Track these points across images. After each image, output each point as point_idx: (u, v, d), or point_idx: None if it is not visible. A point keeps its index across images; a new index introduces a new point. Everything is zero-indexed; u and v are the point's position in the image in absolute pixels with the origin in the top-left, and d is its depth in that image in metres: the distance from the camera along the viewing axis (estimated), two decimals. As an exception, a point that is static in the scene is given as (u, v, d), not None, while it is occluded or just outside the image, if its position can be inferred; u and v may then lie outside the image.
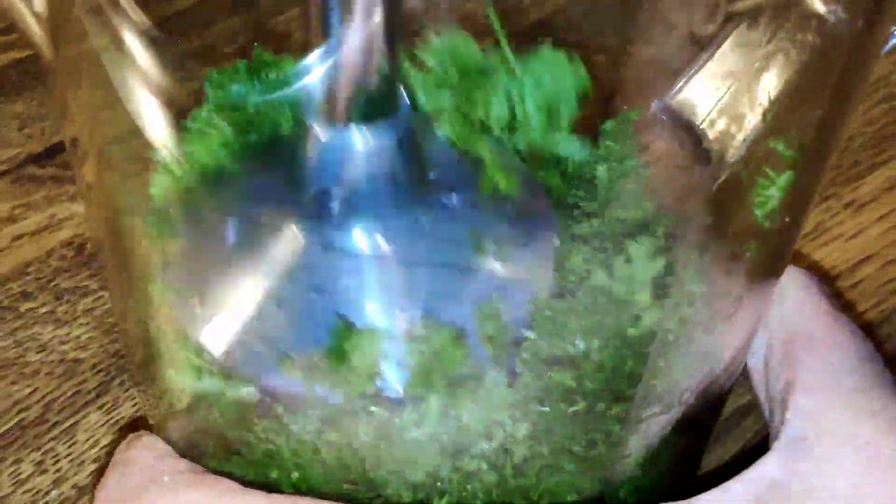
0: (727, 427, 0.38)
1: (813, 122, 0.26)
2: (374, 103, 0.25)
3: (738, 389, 0.39)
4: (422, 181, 0.28)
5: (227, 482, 0.27)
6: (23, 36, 0.27)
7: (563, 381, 0.27)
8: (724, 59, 0.26)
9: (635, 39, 0.29)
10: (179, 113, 0.29)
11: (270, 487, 0.27)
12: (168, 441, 0.31)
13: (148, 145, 0.29)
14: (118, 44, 0.27)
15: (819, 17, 0.24)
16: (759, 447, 0.33)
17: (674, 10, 0.26)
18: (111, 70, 0.27)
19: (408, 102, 0.27)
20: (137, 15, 0.27)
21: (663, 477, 0.30)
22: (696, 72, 0.27)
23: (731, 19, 0.25)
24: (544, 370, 0.27)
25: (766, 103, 0.25)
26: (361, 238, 0.27)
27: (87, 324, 0.42)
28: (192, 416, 0.30)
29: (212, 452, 0.30)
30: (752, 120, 0.26)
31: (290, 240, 0.27)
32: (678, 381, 0.28)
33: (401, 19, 0.24)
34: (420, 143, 0.28)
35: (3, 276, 0.44)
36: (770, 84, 0.25)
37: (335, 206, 0.27)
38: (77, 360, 0.41)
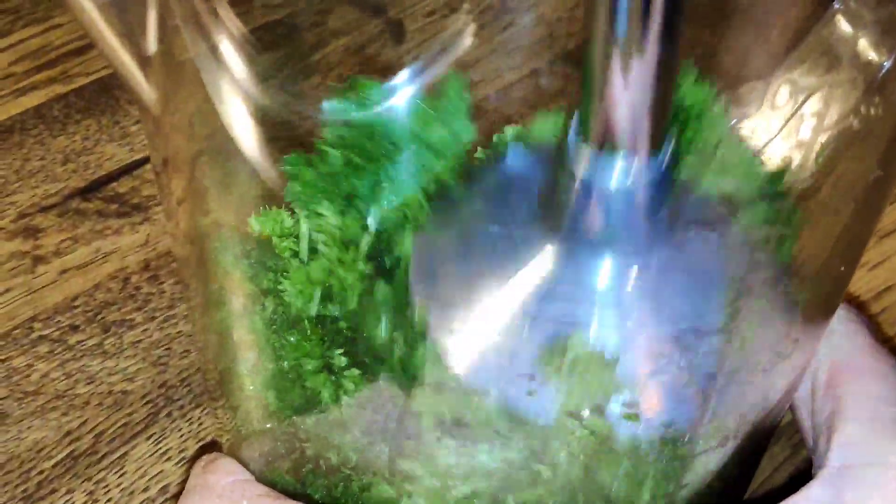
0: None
1: (868, 170, 0.27)
2: (654, 136, 0.24)
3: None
4: (677, 216, 0.27)
5: None
6: (118, 70, 0.27)
7: None
8: (777, 101, 0.27)
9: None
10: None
11: None
12: (242, 463, 0.31)
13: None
14: (216, 54, 0.27)
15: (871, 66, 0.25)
16: (799, 476, 0.34)
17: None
18: (209, 82, 0.27)
19: (671, 137, 0.25)
20: (234, 23, 0.27)
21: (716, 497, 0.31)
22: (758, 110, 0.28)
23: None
24: None
25: (818, 147, 0.26)
26: (615, 269, 0.27)
27: (135, 356, 0.43)
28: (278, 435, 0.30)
29: (292, 469, 0.30)
30: (807, 161, 0.27)
31: (543, 262, 0.27)
32: (736, 416, 0.30)
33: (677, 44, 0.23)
34: (676, 179, 0.27)
35: (51, 310, 0.45)
36: (825, 126, 0.26)
37: (591, 233, 0.26)
38: (125, 392, 0.42)
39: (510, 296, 0.27)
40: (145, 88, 0.27)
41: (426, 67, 0.26)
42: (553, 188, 0.26)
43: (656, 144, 0.25)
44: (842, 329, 0.32)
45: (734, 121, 0.28)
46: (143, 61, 0.27)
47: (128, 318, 0.45)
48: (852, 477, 0.28)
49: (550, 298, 0.27)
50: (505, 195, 0.29)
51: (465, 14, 0.27)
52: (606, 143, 0.24)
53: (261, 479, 0.31)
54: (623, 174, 0.25)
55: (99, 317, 0.45)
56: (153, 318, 0.45)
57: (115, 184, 0.50)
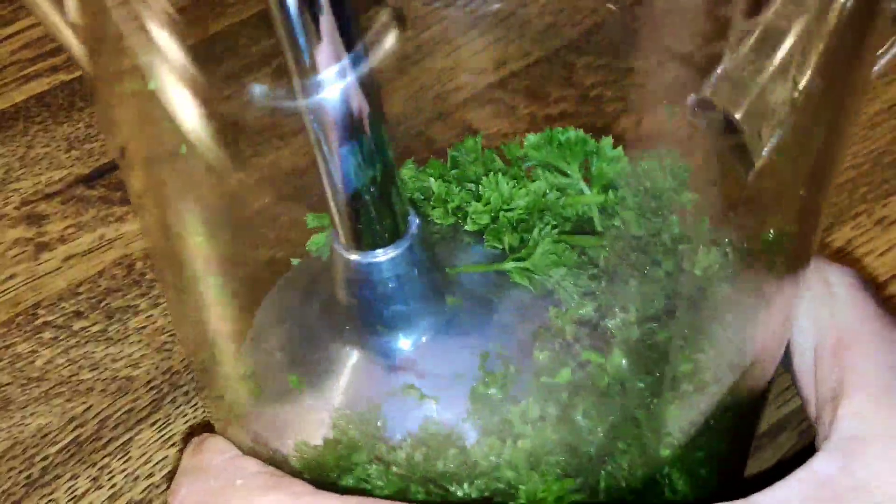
0: (762, 443, 0.39)
1: (836, 102, 0.27)
2: (379, 231, 0.29)
3: (773, 405, 0.39)
4: (442, 288, 0.32)
5: (300, 483, 0.28)
6: (63, 47, 0.27)
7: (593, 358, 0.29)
8: (755, 53, 0.27)
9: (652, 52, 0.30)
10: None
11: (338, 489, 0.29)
12: (234, 441, 0.31)
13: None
14: (152, 45, 0.28)
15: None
16: (802, 453, 0.34)
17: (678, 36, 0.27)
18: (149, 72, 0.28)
19: (416, 220, 0.30)
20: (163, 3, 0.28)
21: (711, 478, 0.31)
22: (728, 66, 0.28)
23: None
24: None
25: (796, 93, 0.26)
26: (397, 350, 0.31)
27: (139, 342, 0.43)
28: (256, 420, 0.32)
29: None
30: (783, 107, 0.27)
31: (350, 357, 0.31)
32: (708, 360, 0.30)
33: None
34: (434, 254, 0.32)
35: (56, 296, 0.45)
36: (799, 72, 0.26)
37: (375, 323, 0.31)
38: (129, 378, 0.42)
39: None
40: (74, 44, 0.27)
41: (354, 63, 0.26)
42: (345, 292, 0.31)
43: (394, 235, 0.29)
44: (844, 294, 0.31)
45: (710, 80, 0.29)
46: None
47: (132, 304, 0.45)
48: (860, 449, 0.27)
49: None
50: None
51: (391, 9, 0.28)
52: (353, 245, 0.29)
53: (251, 454, 0.31)
54: (380, 266, 0.30)
55: (103, 303, 0.45)
56: (157, 305, 0.45)
57: (118, 171, 0.50)
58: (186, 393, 0.42)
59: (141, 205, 0.32)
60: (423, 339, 0.31)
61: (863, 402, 0.28)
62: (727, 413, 0.30)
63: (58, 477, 0.39)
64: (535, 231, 0.32)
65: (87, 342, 0.44)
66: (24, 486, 0.39)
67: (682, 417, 0.29)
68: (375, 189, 0.27)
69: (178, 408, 0.41)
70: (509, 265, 0.32)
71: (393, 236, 0.29)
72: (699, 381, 0.29)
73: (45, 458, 0.40)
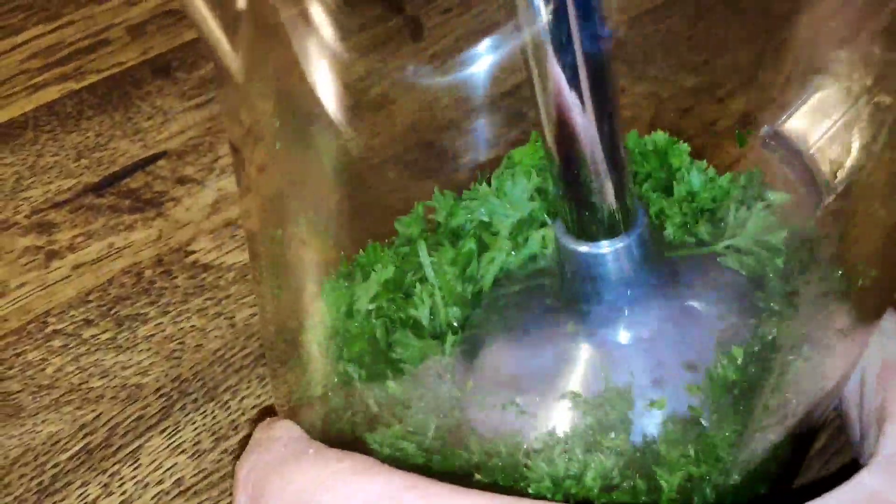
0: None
1: None
2: (611, 222, 0.30)
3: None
4: (663, 284, 0.32)
5: (368, 458, 0.28)
6: (202, 36, 0.28)
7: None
8: (836, 91, 0.27)
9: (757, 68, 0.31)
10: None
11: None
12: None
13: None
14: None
15: None
16: (845, 469, 0.35)
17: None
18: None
19: (643, 215, 0.31)
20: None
21: (767, 485, 0.32)
22: (805, 102, 0.28)
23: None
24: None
25: (876, 134, 0.27)
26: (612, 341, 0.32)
27: (148, 349, 0.44)
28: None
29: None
30: (863, 149, 0.27)
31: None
32: (796, 392, 0.31)
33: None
34: (660, 249, 0.32)
35: (65, 304, 0.46)
36: (882, 114, 0.27)
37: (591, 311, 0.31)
38: (139, 386, 0.43)
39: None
40: (230, 54, 0.27)
41: (503, 41, 0.27)
42: (562, 280, 0.32)
43: (626, 227, 0.30)
44: (892, 327, 0.33)
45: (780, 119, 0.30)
46: (230, 26, 0.27)
47: (141, 312, 0.45)
48: None
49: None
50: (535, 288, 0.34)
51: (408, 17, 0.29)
52: (584, 236, 0.30)
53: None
54: (605, 257, 0.30)
55: (112, 311, 0.45)
56: (166, 313, 0.45)
57: (128, 179, 0.51)
58: (195, 400, 0.42)
59: (252, 186, 0.33)
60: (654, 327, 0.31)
61: None
62: (792, 438, 0.32)
63: (69, 484, 0.40)
64: (734, 211, 0.33)
65: (96, 350, 0.44)
66: (35, 492, 0.40)
67: (763, 440, 0.31)
68: (614, 178, 0.28)
69: (187, 415, 0.42)
70: (720, 247, 0.33)
71: (625, 226, 0.30)
72: (785, 412, 0.31)
73: (55, 465, 0.40)
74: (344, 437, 0.32)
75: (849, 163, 0.27)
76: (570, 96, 0.26)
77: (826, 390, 0.31)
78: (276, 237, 0.33)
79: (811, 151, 0.29)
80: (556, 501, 0.26)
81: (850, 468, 0.30)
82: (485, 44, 0.27)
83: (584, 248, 0.30)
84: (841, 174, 0.27)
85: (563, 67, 0.26)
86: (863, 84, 0.26)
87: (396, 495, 0.26)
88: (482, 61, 0.28)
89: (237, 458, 0.33)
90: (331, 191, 0.35)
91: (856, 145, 0.27)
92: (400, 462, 0.30)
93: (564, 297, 0.32)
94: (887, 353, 0.32)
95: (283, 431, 0.31)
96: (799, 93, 0.28)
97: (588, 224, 0.30)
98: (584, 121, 0.27)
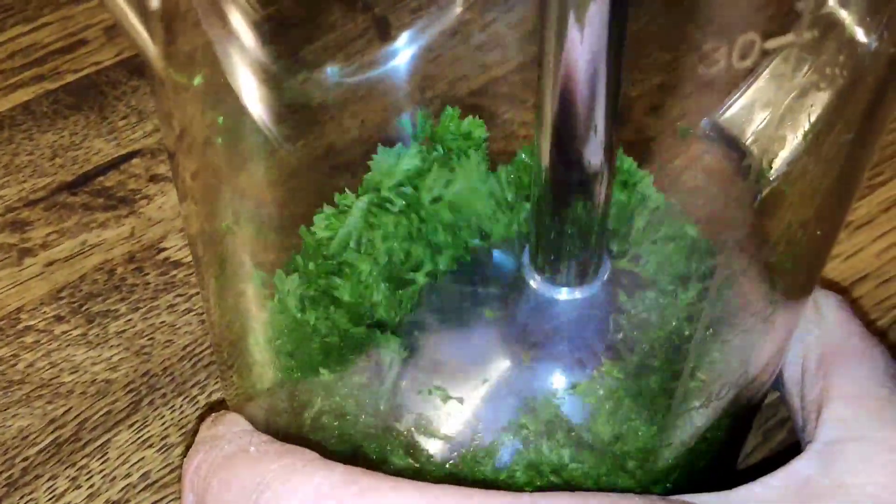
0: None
1: (846, 143, 0.28)
2: (584, 268, 0.30)
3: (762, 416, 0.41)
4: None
5: (309, 452, 0.29)
6: (126, 36, 0.28)
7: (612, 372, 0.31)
8: (772, 83, 0.28)
9: (682, 65, 0.32)
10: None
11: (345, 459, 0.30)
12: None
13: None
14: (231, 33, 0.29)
15: (854, 45, 0.26)
16: (786, 452, 0.36)
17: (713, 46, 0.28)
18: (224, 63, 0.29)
19: (608, 264, 0.31)
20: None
21: (703, 471, 0.33)
22: (743, 92, 0.29)
23: (767, 55, 0.26)
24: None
25: (806, 125, 0.27)
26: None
27: (118, 346, 0.44)
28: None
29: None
30: (795, 140, 0.28)
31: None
32: (718, 374, 0.31)
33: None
34: (613, 301, 0.32)
35: (37, 301, 0.46)
36: (811, 107, 0.27)
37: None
38: (108, 381, 0.43)
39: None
40: (148, 42, 0.27)
41: (423, 30, 0.27)
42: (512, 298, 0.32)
43: (588, 275, 0.31)
44: (831, 316, 0.33)
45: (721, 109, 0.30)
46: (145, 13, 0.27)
47: (112, 308, 0.46)
48: (839, 451, 0.29)
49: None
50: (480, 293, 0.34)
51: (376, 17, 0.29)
52: (548, 273, 0.31)
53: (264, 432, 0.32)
54: (560, 301, 0.31)
55: (84, 308, 0.46)
56: (137, 309, 0.45)
57: (102, 178, 0.51)
58: (164, 395, 0.42)
59: (188, 189, 0.33)
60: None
61: (842, 408, 0.30)
62: (726, 420, 0.32)
63: (38, 477, 0.40)
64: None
65: (67, 346, 0.44)
66: (4, 486, 0.40)
67: (688, 423, 0.31)
68: (589, 223, 0.28)
69: (155, 410, 0.42)
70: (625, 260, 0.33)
71: (591, 275, 0.31)
72: (707, 394, 0.31)
73: (25, 459, 0.41)
74: (288, 427, 0.32)
75: (783, 152, 0.28)
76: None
77: (752, 374, 0.32)
78: (217, 238, 0.33)
79: (748, 142, 0.29)
80: (490, 490, 0.26)
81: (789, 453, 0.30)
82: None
83: (552, 293, 0.31)
84: (776, 163, 0.28)
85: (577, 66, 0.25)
86: (799, 75, 0.27)
87: (335, 492, 0.27)
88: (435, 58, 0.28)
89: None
90: (272, 192, 0.35)
91: (790, 135, 0.28)
92: (338, 450, 0.31)
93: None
94: (827, 342, 0.32)
95: (228, 427, 0.32)
96: (739, 84, 0.29)
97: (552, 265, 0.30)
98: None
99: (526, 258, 0.31)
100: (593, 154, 0.26)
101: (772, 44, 0.24)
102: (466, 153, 0.34)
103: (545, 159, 0.26)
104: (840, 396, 0.30)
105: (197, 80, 0.28)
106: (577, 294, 0.31)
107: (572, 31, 0.23)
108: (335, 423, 0.31)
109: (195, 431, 0.40)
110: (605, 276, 0.31)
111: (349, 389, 0.31)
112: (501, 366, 0.31)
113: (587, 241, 0.29)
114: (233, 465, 0.29)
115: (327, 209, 0.34)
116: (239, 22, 0.28)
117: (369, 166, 0.34)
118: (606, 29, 0.23)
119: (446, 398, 0.31)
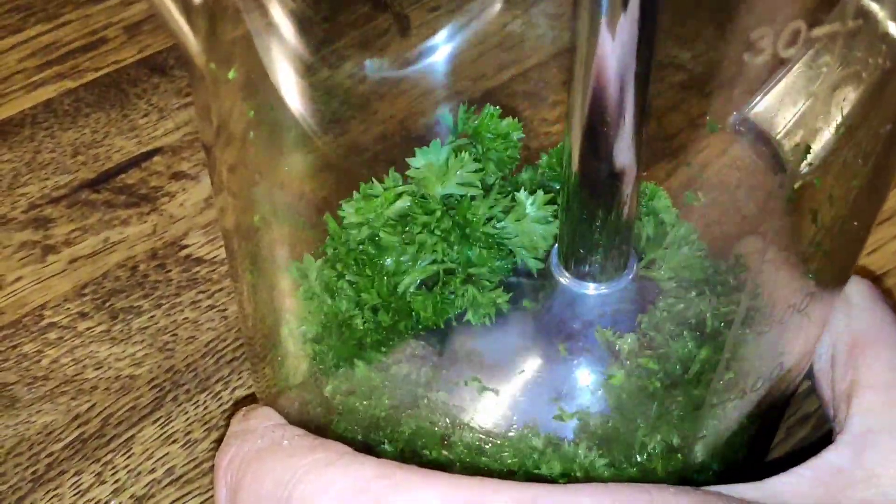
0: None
1: (881, 137, 0.28)
2: (612, 264, 0.31)
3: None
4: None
5: (341, 446, 0.29)
6: (167, 30, 0.28)
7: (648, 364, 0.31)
8: (802, 78, 0.28)
9: (720, 57, 0.32)
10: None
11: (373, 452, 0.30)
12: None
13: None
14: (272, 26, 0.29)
15: (891, 40, 0.26)
16: (818, 442, 0.36)
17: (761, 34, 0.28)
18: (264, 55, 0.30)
19: (634, 261, 0.32)
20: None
21: (736, 463, 0.33)
22: (773, 87, 0.29)
23: (811, 43, 0.26)
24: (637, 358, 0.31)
25: (839, 119, 0.27)
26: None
27: (142, 342, 0.44)
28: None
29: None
30: (827, 133, 0.28)
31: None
32: (752, 367, 0.31)
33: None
34: (641, 295, 0.33)
35: (61, 297, 0.46)
36: (844, 101, 0.27)
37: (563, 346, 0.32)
38: (132, 377, 0.43)
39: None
40: (190, 36, 0.27)
41: (461, 29, 0.27)
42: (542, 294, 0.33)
43: (615, 274, 0.31)
44: (861, 303, 0.33)
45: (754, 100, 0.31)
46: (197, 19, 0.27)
47: (135, 305, 0.46)
48: (870, 441, 0.29)
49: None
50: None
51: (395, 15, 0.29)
52: (577, 269, 0.31)
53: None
54: (589, 296, 0.31)
55: (107, 304, 0.46)
56: (160, 306, 0.46)
57: (123, 175, 0.51)
58: (188, 391, 0.43)
59: (225, 182, 0.33)
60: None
61: (873, 399, 0.30)
62: (759, 412, 0.32)
63: (63, 472, 0.40)
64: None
65: (91, 342, 0.45)
66: (30, 481, 0.40)
67: (722, 415, 0.31)
68: (618, 219, 0.29)
69: (179, 405, 0.42)
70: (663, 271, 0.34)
71: (619, 270, 0.31)
72: (742, 387, 0.31)
73: (50, 455, 0.41)
74: (320, 420, 0.32)
75: (815, 146, 0.28)
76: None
77: (786, 366, 0.32)
78: (252, 231, 0.33)
79: (779, 136, 0.29)
80: (521, 482, 0.27)
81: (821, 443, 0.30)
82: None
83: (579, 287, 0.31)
84: (809, 157, 0.28)
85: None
86: (829, 69, 0.27)
87: (368, 485, 0.27)
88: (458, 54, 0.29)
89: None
90: (306, 185, 0.35)
91: (822, 129, 0.28)
92: (372, 443, 0.31)
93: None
94: (856, 329, 0.32)
95: (260, 421, 0.32)
96: (769, 79, 0.29)
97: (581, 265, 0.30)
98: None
99: (554, 256, 0.32)
100: (622, 150, 0.26)
101: (817, 32, 0.24)
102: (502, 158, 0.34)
103: (576, 155, 0.27)
104: (870, 385, 0.31)
105: (233, 74, 0.28)
106: (605, 289, 0.31)
107: (604, 30, 0.23)
108: (369, 416, 0.31)
109: (221, 426, 0.40)
110: (633, 272, 0.31)
111: (384, 381, 0.31)
112: (537, 357, 0.31)
113: (615, 237, 0.29)
114: (266, 458, 0.30)
115: (356, 195, 0.34)
116: (279, 14, 0.28)
117: (404, 159, 0.34)
118: (637, 26, 0.23)
119: (482, 389, 0.31)
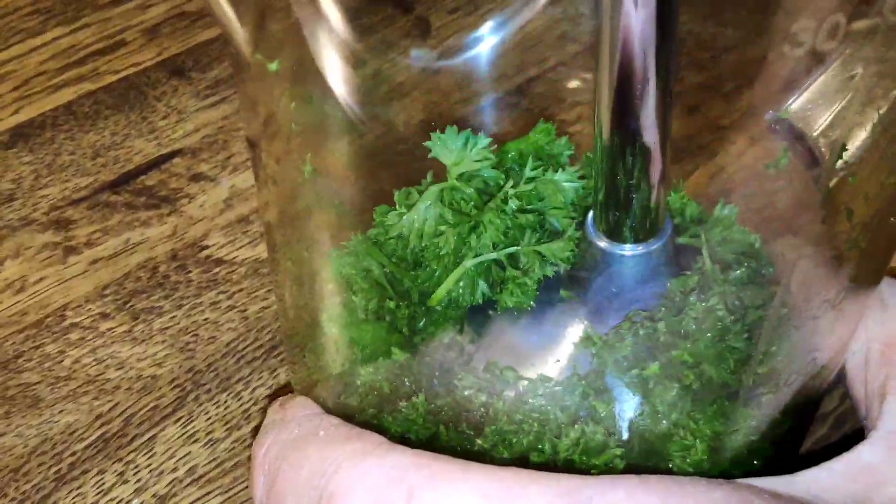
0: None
1: None
2: (643, 226, 0.31)
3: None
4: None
5: (376, 436, 0.29)
6: (215, 20, 0.29)
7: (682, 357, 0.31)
8: (839, 76, 0.28)
9: (760, 52, 0.32)
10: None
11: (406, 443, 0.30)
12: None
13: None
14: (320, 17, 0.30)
15: None
16: (843, 440, 0.36)
17: (801, 28, 0.28)
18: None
19: (670, 224, 0.32)
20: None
21: (769, 457, 0.33)
22: (810, 85, 0.29)
23: (850, 38, 0.26)
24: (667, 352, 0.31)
25: (876, 117, 0.28)
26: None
27: (163, 342, 0.45)
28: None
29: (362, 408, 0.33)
30: (863, 132, 0.28)
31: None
32: (785, 366, 0.32)
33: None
34: (678, 259, 0.33)
35: (82, 298, 0.47)
36: (881, 99, 0.27)
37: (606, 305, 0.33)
38: (154, 377, 0.44)
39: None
40: (237, 26, 0.28)
41: (508, 20, 0.28)
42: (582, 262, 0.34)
43: (651, 235, 0.32)
44: (895, 303, 0.33)
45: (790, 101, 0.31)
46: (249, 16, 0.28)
47: (156, 305, 0.46)
48: None
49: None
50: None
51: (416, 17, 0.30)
52: (614, 235, 0.32)
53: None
54: (626, 257, 0.32)
55: (128, 305, 0.46)
56: (181, 306, 0.46)
57: (143, 177, 0.52)
58: (209, 391, 0.43)
59: (270, 175, 0.34)
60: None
61: None
62: (792, 404, 0.33)
63: (85, 472, 0.41)
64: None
65: (113, 342, 0.45)
66: (53, 480, 0.41)
67: (756, 409, 0.32)
68: (648, 176, 0.29)
69: (200, 405, 0.43)
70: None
71: (653, 231, 0.31)
72: (776, 381, 0.32)
73: (73, 454, 0.41)
74: (357, 410, 0.33)
75: (850, 145, 0.28)
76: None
77: (820, 362, 0.32)
78: (295, 222, 0.34)
79: (814, 135, 0.29)
80: (556, 473, 0.27)
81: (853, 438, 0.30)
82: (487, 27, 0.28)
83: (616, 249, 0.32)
84: (845, 154, 0.28)
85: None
86: (864, 69, 0.27)
87: (404, 476, 0.27)
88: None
89: (249, 447, 0.34)
90: (348, 174, 0.36)
91: (857, 127, 0.28)
92: (410, 433, 0.31)
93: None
94: (891, 329, 0.32)
95: (297, 410, 0.32)
96: (803, 79, 0.29)
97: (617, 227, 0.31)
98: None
99: (590, 224, 0.32)
100: (650, 108, 0.27)
101: (859, 25, 0.24)
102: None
103: (606, 116, 0.28)
104: None
105: (274, 66, 0.29)
106: (641, 249, 0.31)
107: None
108: (405, 405, 0.31)
109: (242, 426, 0.41)
110: (669, 233, 0.32)
111: (420, 370, 0.32)
112: (572, 347, 0.32)
113: (649, 196, 0.30)
114: (303, 448, 0.30)
115: (402, 191, 0.35)
116: (328, 4, 0.29)
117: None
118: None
119: (517, 378, 0.31)
